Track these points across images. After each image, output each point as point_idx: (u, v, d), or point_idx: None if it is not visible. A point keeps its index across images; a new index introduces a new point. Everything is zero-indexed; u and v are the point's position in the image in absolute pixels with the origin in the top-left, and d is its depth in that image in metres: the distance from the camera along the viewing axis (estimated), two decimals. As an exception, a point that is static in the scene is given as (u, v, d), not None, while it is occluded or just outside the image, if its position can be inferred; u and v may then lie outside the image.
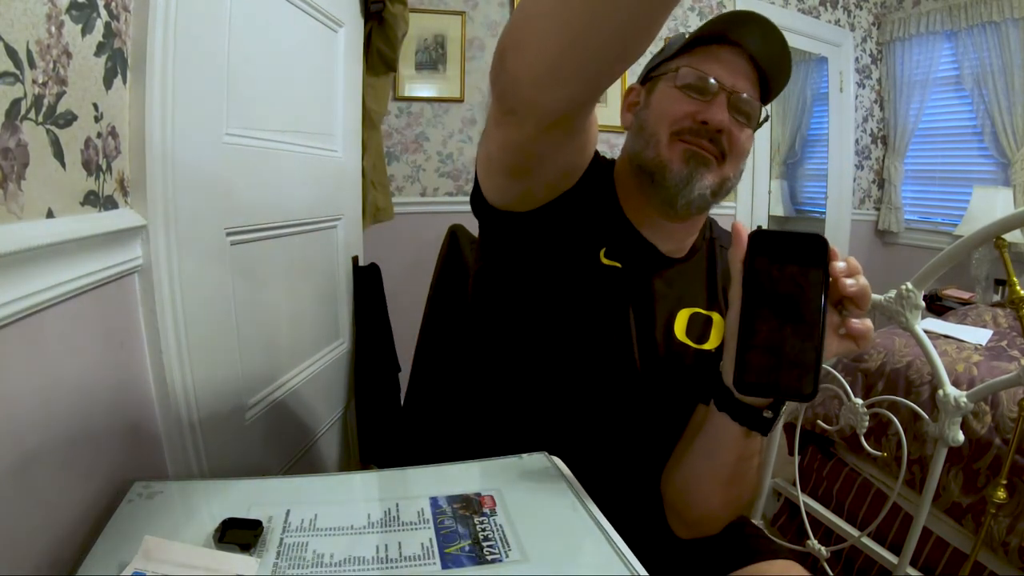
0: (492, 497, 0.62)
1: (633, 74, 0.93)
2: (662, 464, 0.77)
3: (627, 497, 0.77)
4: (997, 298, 2.70)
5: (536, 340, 0.77)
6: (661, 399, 0.77)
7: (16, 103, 0.52)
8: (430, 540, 0.55)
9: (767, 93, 0.76)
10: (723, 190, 0.75)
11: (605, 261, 0.76)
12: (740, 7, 2.86)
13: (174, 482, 0.75)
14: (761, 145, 3.03)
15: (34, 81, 0.54)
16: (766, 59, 0.73)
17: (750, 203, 3.04)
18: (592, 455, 0.74)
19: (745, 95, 0.72)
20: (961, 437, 1.06)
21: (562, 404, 0.78)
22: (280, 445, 1.16)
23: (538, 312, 0.77)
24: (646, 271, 0.77)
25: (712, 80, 0.71)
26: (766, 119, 0.78)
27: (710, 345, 0.78)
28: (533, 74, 0.47)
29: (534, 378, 0.78)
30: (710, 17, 3.05)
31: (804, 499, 1.46)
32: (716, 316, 0.80)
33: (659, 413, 0.77)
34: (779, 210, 3.62)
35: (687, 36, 0.74)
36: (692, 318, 0.79)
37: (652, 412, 0.77)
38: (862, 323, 0.55)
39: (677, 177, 0.71)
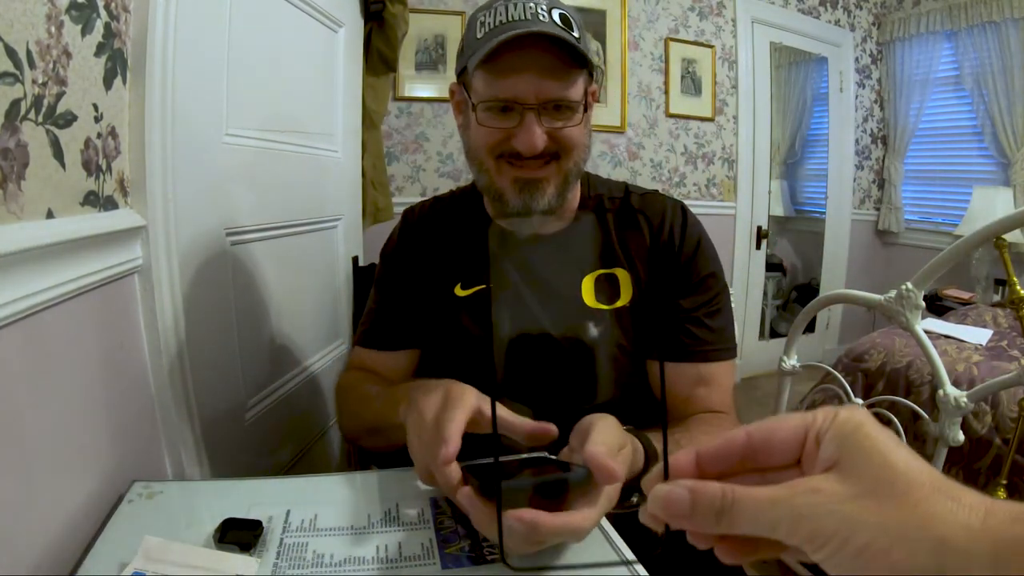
0: (492, 497, 0.62)
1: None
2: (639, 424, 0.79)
3: (626, 485, 0.79)
4: (997, 298, 2.70)
5: (454, 372, 0.81)
6: (604, 368, 0.78)
7: (16, 103, 0.52)
8: (430, 540, 0.55)
9: (580, 56, 0.68)
10: (570, 180, 0.75)
11: (461, 293, 0.80)
12: (740, 6, 2.87)
13: (174, 482, 0.75)
14: (761, 145, 3.03)
15: (34, 81, 0.54)
16: (556, 27, 0.66)
17: (750, 203, 3.04)
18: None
19: (557, 95, 0.68)
20: (961, 437, 1.06)
21: (541, 407, 0.79)
22: (280, 445, 1.16)
23: (441, 356, 0.83)
24: (526, 266, 0.79)
25: (511, 100, 0.67)
26: (596, 80, 0.75)
27: (623, 301, 0.78)
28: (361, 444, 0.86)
29: (504, 390, 0.80)
30: (710, 17, 3.03)
31: (804, 499, 1.46)
32: (620, 272, 0.79)
33: (610, 382, 0.78)
34: (779, 210, 3.62)
35: (477, 30, 0.69)
36: (597, 281, 0.79)
37: (604, 383, 0.78)
38: None
39: (514, 206, 0.73)
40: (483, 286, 0.80)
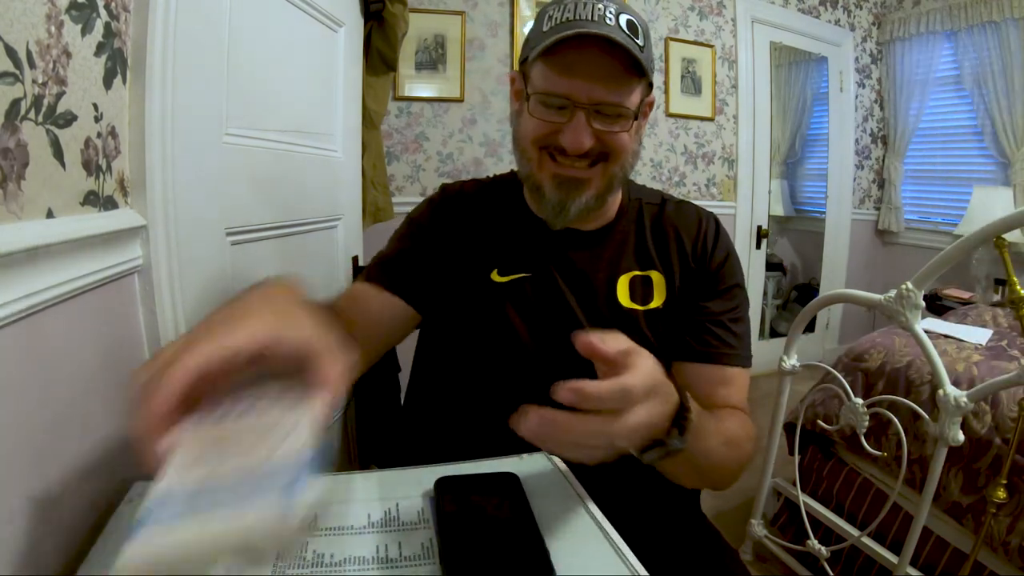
0: (492, 497, 0.62)
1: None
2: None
3: (627, 485, 0.79)
4: (997, 298, 2.70)
5: (493, 359, 0.81)
6: None
7: (16, 103, 0.52)
8: (430, 540, 0.55)
9: (640, 65, 0.68)
10: (614, 185, 0.75)
11: (498, 279, 0.80)
12: (740, 6, 2.86)
13: (174, 482, 0.75)
14: (761, 145, 3.03)
15: (34, 81, 0.54)
16: (620, 33, 0.66)
17: (750, 203, 3.04)
18: None
19: (610, 99, 0.67)
20: (961, 437, 1.06)
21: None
22: (280, 445, 1.16)
23: (477, 341, 0.82)
24: (563, 260, 0.80)
25: (564, 97, 0.68)
26: (649, 98, 0.74)
27: (656, 303, 0.80)
28: None
29: (512, 385, 0.80)
30: (710, 17, 3.03)
31: (804, 499, 1.46)
32: (655, 274, 0.81)
33: None
34: (779, 210, 3.62)
35: (544, 23, 0.69)
36: (632, 282, 0.81)
37: None
38: None
39: (551, 202, 0.74)
40: (522, 274, 0.80)
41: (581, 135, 0.68)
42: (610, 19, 0.66)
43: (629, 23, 0.67)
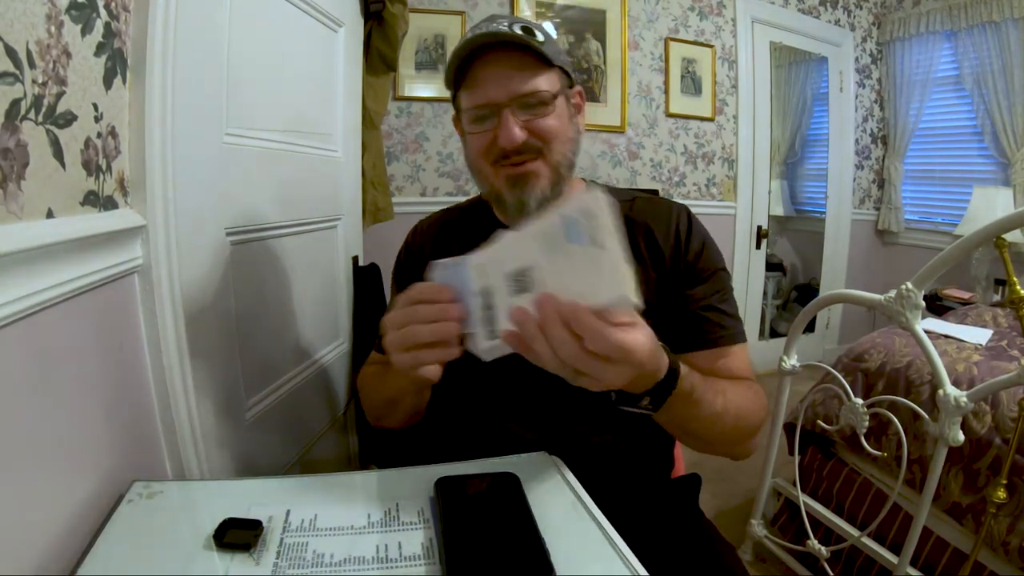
0: (492, 497, 0.62)
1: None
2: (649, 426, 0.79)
3: (626, 484, 0.80)
4: (997, 298, 2.70)
5: (483, 364, 0.82)
6: None
7: (16, 103, 0.52)
8: (430, 540, 0.55)
9: (542, 55, 0.73)
10: (561, 172, 0.79)
11: None
12: (740, 6, 2.86)
13: (174, 482, 0.75)
14: (761, 145, 3.03)
15: (34, 81, 0.54)
16: (513, 35, 0.72)
17: (750, 203, 3.04)
18: (586, 446, 0.75)
19: (526, 89, 0.73)
20: (961, 437, 1.06)
21: (540, 405, 0.80)
22: (280, 445, 1.16)
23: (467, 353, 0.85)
24: None
25: (487, 104, 0.74)
26: (568, 75, 0.79)
27: None
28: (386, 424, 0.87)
29: (504, 385, 0.82)
30: (710, 17, 3.03)
31: (804, 499, 1.46)
32: None
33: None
34: (779, 210, 3.62)
35: (454, 62, 0.75)
36: None
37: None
38: None
39: (511, 203, 0.78)
40: None
41: (511, 130, 0.73)
42: (503, 31, 0.72)
43: (524, 28, 0.73)
